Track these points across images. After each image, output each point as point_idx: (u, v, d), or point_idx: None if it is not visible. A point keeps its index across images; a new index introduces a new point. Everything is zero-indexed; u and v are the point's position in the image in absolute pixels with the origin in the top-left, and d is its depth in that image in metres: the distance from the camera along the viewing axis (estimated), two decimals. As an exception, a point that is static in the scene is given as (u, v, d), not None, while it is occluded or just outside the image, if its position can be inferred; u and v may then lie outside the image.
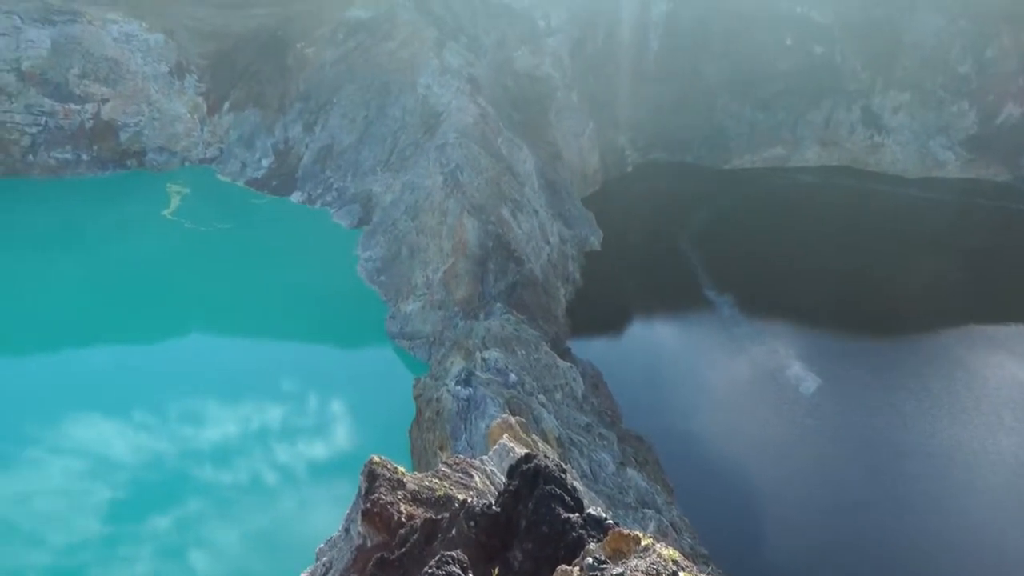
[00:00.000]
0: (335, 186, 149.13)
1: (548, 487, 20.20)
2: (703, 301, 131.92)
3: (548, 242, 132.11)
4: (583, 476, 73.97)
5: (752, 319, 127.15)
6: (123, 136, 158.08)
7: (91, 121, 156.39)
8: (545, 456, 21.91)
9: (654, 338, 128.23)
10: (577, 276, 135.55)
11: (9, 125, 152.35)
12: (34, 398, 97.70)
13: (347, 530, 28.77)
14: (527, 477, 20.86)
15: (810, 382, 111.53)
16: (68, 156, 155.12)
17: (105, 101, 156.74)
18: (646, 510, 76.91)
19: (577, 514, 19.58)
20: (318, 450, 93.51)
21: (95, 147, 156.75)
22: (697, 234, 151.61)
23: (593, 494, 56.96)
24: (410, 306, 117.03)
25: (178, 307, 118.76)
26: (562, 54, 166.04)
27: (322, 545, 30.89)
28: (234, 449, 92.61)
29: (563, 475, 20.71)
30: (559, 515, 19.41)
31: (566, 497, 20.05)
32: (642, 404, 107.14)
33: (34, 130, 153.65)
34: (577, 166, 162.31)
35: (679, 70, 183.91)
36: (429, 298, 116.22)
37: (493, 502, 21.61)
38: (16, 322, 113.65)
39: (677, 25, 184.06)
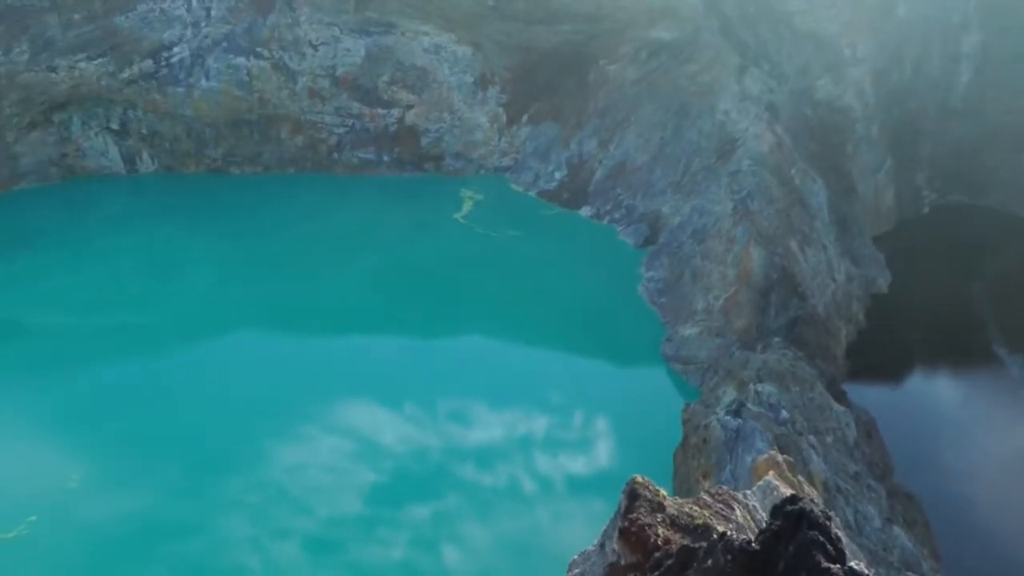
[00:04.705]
0: (624, 203, 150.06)
1: (812, 532, 19.79)
2: (992, 358, 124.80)
3: (834, 279, 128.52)
4: (847, 526, 71.68)
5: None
6: (424, 141, 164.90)
7: (395, 125, 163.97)
8: (811, 500, 21.56)
9: (935, 391, 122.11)
10: (861, 317, 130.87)
11: (320, 125, 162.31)
12: (317, 380, 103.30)
13: (602, 546, 29.08)
14: (791, 519, 20.51)
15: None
16: (371, 156, 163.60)
17: (410, 107, 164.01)
18: (909, 573, 73.73)
19: (838, 565, 19.09)
20: (578, 464, 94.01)
21: (396, 150, 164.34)
22: (992, 285, 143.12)
23: (855, 547, 55.13)
24: (688, 330, 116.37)
25: (461, 308, 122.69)
26: (865, 84, 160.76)
27: (576, 557, 31.45)
28: (497, 453, 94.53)
29: (828, 522, 20.26)
30: (819, 563, 19.03)
31: (829, 546, 19.57)
32: (915, 460, 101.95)
33: (341, 131, 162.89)
34: (871, 203, 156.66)
35: (988, 107, 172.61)
36: (708, 324, 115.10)
37: (753, 539, 21.43)
38: (311, 308, 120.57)
39: (990, 57, 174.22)
